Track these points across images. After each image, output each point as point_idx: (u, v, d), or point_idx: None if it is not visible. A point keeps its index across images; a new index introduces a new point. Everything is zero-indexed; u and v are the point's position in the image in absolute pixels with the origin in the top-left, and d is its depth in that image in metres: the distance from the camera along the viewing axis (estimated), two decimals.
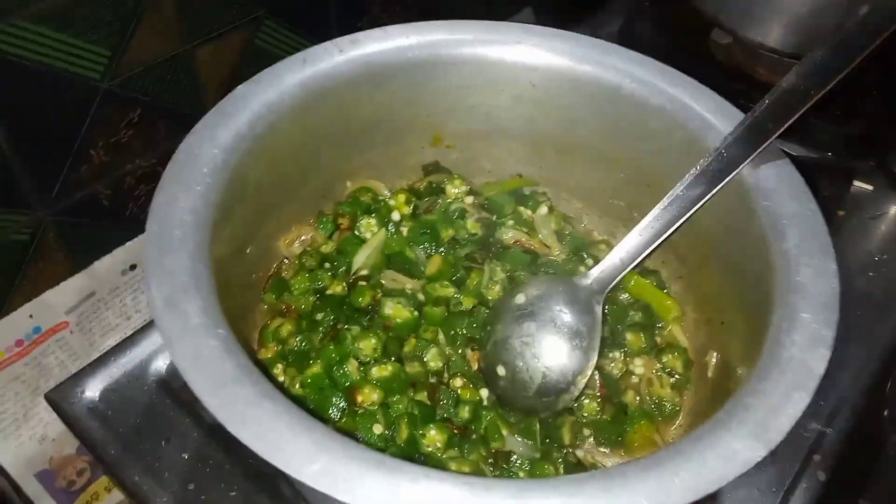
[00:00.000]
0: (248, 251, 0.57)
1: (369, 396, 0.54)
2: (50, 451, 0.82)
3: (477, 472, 0.52)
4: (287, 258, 0.64)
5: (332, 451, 0.36)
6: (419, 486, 0.35)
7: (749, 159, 0.52)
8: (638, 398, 0.58)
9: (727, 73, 0.83)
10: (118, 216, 0.82)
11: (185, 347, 0.40)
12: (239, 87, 0.55)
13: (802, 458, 0.64)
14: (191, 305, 0.41)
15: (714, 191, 0.53)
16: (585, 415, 0.56)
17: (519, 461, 0.53)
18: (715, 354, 0.57)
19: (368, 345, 0.56)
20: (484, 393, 0.56)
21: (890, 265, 0.77)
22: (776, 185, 0.52)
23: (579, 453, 0.55)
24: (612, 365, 0.59)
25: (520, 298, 0.57)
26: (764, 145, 0.52)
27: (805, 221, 0.50)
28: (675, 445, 0.39)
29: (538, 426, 0.55)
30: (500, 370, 0.56)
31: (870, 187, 0.84)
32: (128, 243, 0.84)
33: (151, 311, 0.41)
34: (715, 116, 0.57)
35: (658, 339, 0.62)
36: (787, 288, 0.46)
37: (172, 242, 0.44)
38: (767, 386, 0.41)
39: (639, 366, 0.60)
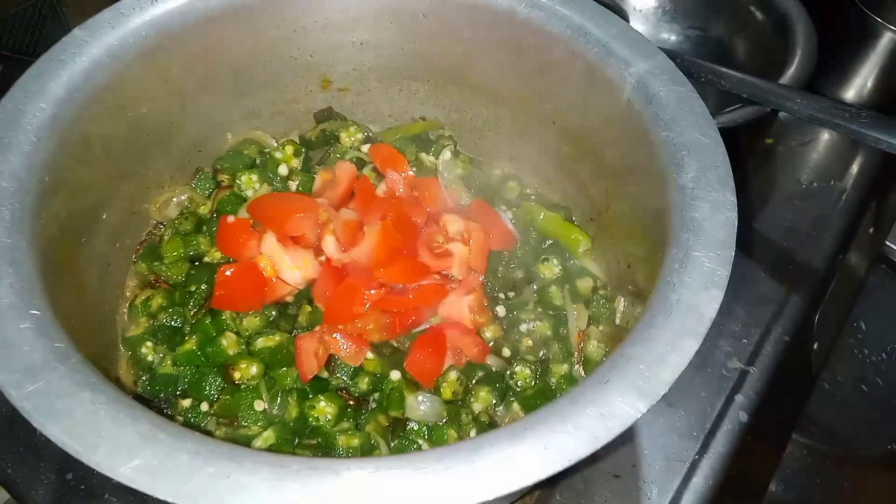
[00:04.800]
0: (104, 217, 0.51)
1: (247, 371, 0.49)
2: None
3: (369, 444, 0.48)
4: (162, 223, 0.58)
5: (159, 443, 0.32)
6: (253, 479, 0.31)
7: None
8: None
9: None
10: None
11: None
12: (75, 29, 0.48)
13: (724, 399, 0.61)
14: None
15: None
16: (519, 382, 0.52)
17: (417, 427, 0.49)
18: (622, 300, 0.53)
19: (252, 321, 0.51)
20: (395, 375, 0.51)
21: (819, 194, 0.74)
22: (676, 113, 0.47)
23: (500, 411, 0.52)
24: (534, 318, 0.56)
25: None
26: None
27: (705, 151, 0.45)
28: (553, 405, 0.35)
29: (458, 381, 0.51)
30: None
31: None
32: None
33: None
34: (617, 42, 0.51)
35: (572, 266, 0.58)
36: (681, 225, 0.42)
37: None
38: (653, 333, 0.37)
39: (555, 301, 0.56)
